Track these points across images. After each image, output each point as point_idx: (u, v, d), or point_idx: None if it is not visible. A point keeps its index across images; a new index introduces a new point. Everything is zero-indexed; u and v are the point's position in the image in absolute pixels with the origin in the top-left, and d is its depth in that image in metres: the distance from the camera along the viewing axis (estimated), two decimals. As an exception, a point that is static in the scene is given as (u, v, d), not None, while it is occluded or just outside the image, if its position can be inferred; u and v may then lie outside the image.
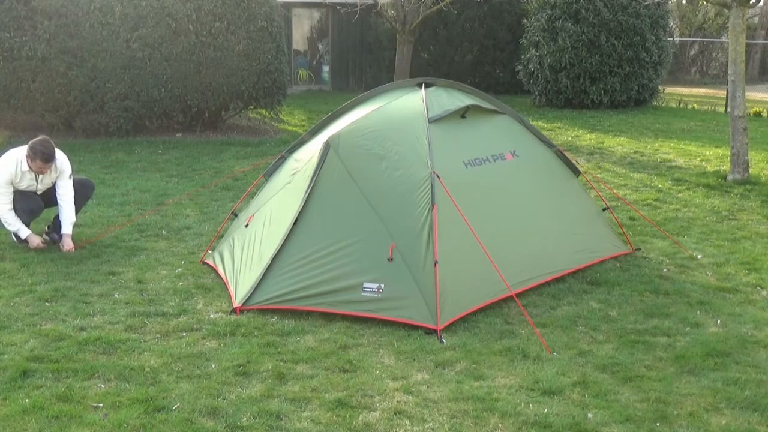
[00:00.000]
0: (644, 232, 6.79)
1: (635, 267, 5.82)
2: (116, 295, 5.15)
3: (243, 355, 4.21)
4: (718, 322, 4.81)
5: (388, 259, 4.66)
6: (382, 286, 4.60)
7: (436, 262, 4.54)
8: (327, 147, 5.10)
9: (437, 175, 4.79)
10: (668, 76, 20.56)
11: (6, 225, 5.99)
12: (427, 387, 3.91)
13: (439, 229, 4.64)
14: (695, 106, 17.69)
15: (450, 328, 4.56)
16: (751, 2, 9.19)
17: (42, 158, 5.82)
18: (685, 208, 7.83)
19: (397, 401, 3.75)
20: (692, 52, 27.75)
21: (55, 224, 6.19)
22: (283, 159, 5.93)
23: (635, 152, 11.17)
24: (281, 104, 13.29)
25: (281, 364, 4.13)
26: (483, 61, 19.86)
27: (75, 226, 6.80)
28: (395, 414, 3.63)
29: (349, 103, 5.91)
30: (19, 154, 5.94)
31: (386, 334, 4.51)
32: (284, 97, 13.27)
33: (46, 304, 4.98)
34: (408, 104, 5.48)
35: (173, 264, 5.82)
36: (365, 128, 5.22)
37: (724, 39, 24.82)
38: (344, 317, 4.77)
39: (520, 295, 4.87)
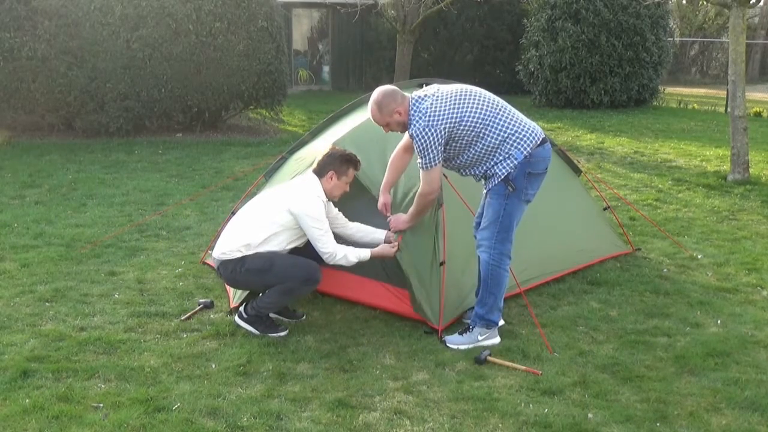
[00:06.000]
0: (644, 232, 6.79)
1: (635, 267, 5.82)
2: (116, 295, 5.15)
3: (243, 355, 4.21)
4: (719, 322, 4.81)
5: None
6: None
7: (443, 263, 4.53)
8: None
9: (444, 175, 4.77)
10: (668, 76, 20.58)
11: (342, 263, 4.47)
12: (427, 387, 3.90)
13: (446, 230, 4.62)
14: (695, 106, 17.69)
15: (451, 328, 4.56)
16: (751, 2, 9.20)
17: (355, 164, 4.55)
18: (686, 208, 7.83)
19: (398, 401, 3.75)
20: (692, 52, 27.77)
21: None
22: (283, 159, 5.92)
23: (635, 152, 11.18)
24: (281, 104, 13.31)
25: (281, 364, 4.13)
26: (483, 61, 19.88)
27: (75, 226, 6.84)
28: (395, 414, 3.63)
29: (351, 105, 5.89)
30: (312, 186, 4.47)
31: (386, 334, 4.52)
32: (284, 98, 13.29)
33: (47, 304, 4.97)
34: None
35: (173, 264, 5.82)
36: (370, 130, 5.20)
37: (724, 39, 24.82)
38: (344, 317, 4.77)
39: (520, 295, 4.87)
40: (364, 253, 4.49)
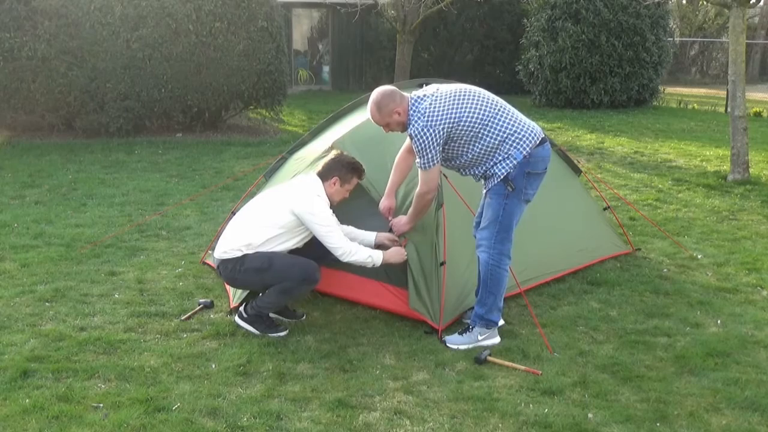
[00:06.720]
0: (644, 232, 6.79)
1: (635, 267, 5.82)
2: (116, 295, 5.15)
3: (243, 355, 4.21)
4: (719, 322, 4.81)
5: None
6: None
7: (443, 263, 4.52)
8: (332, 150, 5.08)
9: (444, 175, 4.77)
10: (668, 76, 20.58)
11: (355, 258, 4.41)
12: (427, 387, 3.90)
13: (447, 230, 4.62)
14: (695, 106, 17.69)
15: (451, 328, 4.56)
16: (751, 2, 9.20)
17: (359, 173, 4.59)
18: (686, 208, 7.83)
19: (398, 401, 3.75)
20: (692, 52, 27.77)
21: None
22: (283, 159, 5.91)
23: (635, 152, 11.18)
24: (281, 104, 13.30)
25: (281, 364, 4.13)
26: (483, 61, 19.88)
27: (75, 226, 6.84)
28: (395, 414, 3.63)
29: (351, 105, 5.89)
30: (312, 185, 4.49)
31: (386, 334, 4.52)
32: (284, 97, 13.28)
33: (47, 304, 4.98)
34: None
35: (173, 264, 5.82)
36: (369, 130, 5.20)
37: (724, 39, 24.82)
38: (344, 317, 4.77)
39: (520, 295, 4.87)
40: (377, 255, 4.45)
